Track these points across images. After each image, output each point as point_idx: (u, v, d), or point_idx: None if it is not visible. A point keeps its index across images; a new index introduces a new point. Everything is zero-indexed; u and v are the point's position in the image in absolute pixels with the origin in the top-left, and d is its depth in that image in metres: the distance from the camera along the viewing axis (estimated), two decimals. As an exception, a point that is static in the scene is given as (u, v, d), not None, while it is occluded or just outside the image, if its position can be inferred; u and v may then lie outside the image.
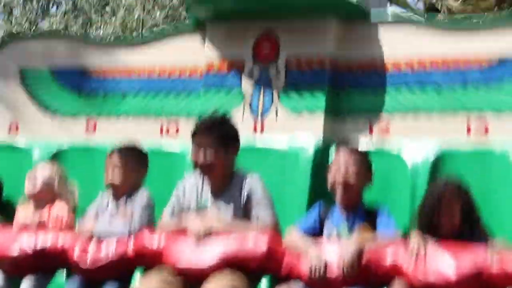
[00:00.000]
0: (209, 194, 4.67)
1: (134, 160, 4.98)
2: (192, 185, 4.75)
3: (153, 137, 5.51)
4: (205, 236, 4.48)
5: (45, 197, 5.22)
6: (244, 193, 4.59)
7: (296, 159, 4.97)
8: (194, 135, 4.67)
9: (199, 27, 5.51)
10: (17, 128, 5.98)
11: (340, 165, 4.49)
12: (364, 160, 4.53)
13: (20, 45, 6.11)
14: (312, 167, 4.88)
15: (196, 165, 4.66)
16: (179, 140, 5.43)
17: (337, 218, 4.51)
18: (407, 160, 4.79)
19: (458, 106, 4.83)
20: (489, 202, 4.41)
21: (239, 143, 4.69)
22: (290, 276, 4.33)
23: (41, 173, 5.29)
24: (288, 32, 5.21)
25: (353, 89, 5.08)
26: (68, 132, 5.81)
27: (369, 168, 4.55)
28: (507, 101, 4.70)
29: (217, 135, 4.61)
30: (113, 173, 4.94)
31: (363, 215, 4.46)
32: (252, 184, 4.61)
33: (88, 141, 5.72)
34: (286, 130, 5.10)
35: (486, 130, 4.73)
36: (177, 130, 5.52)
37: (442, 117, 4.85)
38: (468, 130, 4.77)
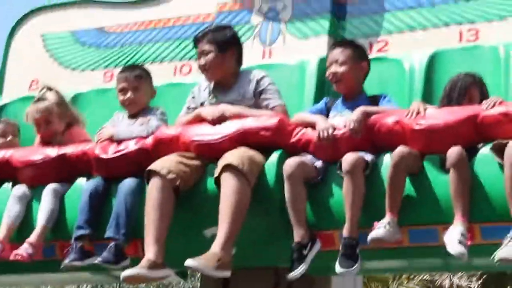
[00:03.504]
0: (219, 92, 5.02)
1: (140, 76, 5.27)
2: (204, 86, 5.11)
3: (166, 78, 5.85)
4: (220, 119, 4.81)
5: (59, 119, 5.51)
6: (253, 83, 4.91)
7: (302, 70, 5.31)
8: (196, 42, 5.04)
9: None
10: (37, 84, 6.33)
11: (330, 58, 4.81)
12: (353, 49, 4.78)
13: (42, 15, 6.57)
14: (317, 76, 5.22)
15: (201, 70, 5.03)
16: (191, 76, 5.79)
17: (341, 106, 4.84)
18: (404, 64, 5.14)
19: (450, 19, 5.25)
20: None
21: (239, 46, 5.02)
22: (299, 147, 4.64)
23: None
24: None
25: (353, 15, 5.50)
26: (86, 84, 6.18)
27: (362, 57, 4.80)
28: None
29: (212, 39, 4.95)
30: (124, 93, 5.27)
31: (366, 102, 4.75)
32: (260, 76, 4.95)
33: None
34: (292, 53, 5.48)
35: (477, 37, 5.13)
36: (189, 70, 5.88)
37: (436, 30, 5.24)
38: (460, 38, 5.17)
